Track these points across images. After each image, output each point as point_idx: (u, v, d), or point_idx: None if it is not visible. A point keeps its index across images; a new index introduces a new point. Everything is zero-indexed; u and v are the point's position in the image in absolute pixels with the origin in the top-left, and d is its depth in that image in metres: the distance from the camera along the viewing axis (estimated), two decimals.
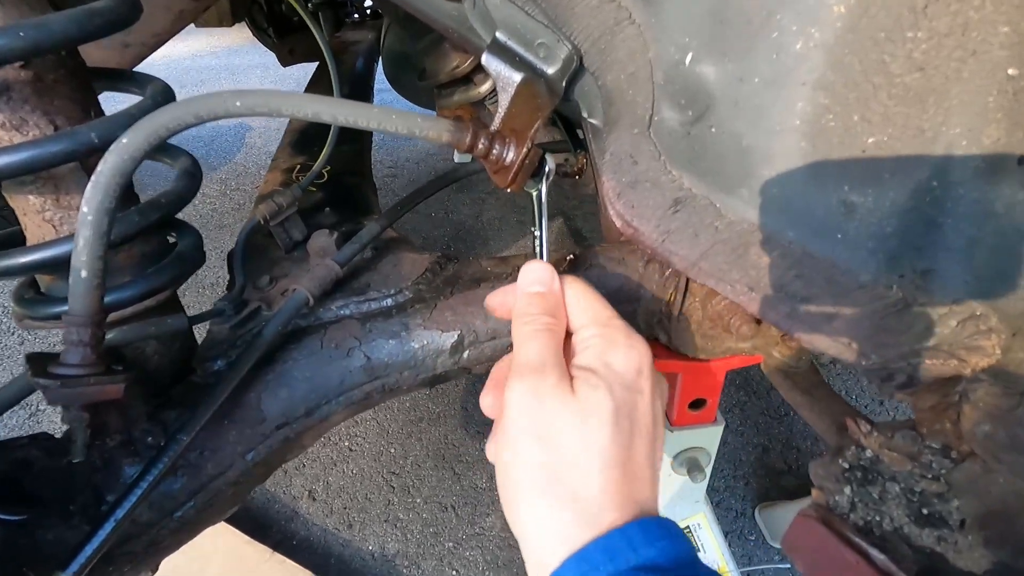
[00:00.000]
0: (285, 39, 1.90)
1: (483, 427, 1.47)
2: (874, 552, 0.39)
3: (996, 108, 0.35)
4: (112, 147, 0.40)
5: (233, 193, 2.61)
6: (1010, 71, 0.34)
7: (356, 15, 2.11)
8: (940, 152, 0.38)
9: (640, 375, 0.37)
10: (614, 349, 0.37)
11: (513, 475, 0.35)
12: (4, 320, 1.93)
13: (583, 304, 0.40)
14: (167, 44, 0.99)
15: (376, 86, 1.71)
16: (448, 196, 2.46)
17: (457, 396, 1.56)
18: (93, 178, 0.40)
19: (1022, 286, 0.37)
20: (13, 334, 1.87)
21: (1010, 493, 0.39)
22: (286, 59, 1.98)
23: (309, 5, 1.90)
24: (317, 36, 0.93)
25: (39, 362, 0.42)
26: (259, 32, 1.90)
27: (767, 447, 1.44)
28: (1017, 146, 0.35)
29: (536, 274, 0.41)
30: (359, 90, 1.61)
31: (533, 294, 0.40)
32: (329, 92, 1.02)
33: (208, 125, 2.88)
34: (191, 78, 4.02)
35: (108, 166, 0.40)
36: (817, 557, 0.42)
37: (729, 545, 0.94)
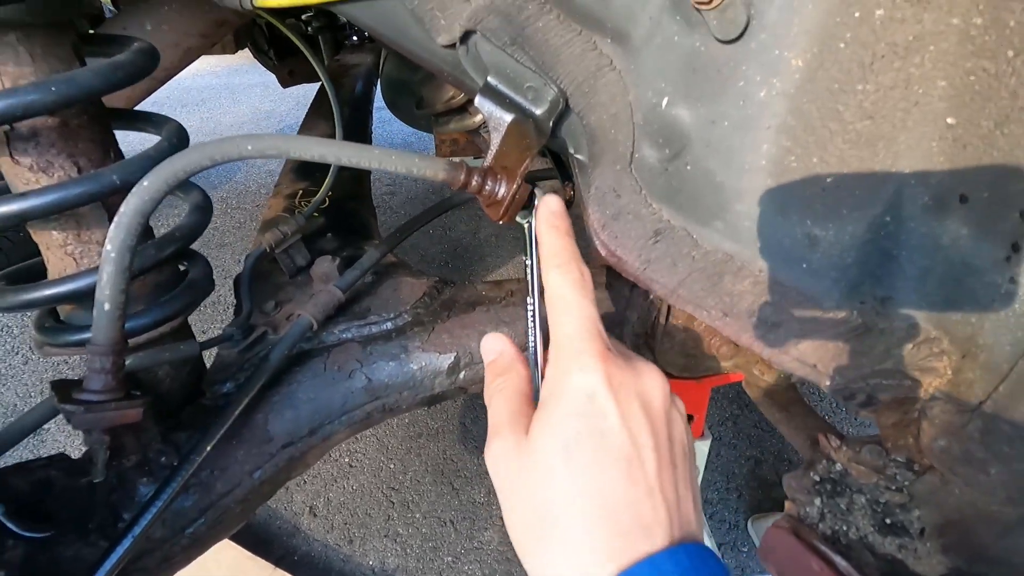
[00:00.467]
0: (285, 61, 1.95)
1: (481, 442, 1.49)
2: (838, 559, 0.42)
3: (939, 152, 0.39)
4: (134, 190, 0.43)
5: (234, 211, 2.65)
6: (949, 120, 0.38)
7: (355, 38, 2.15)
8: (891, 191, 0.41)
9: (593, 398, 0.33)
10: (565, 377, 0.34)
11: (511, 534, 0.34)
12: (8, 340, 1.95)
13: (551, 316, 0.38)
14: None
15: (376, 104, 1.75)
16: (446, 214, 2.49)
17: (456, 412, 1.59)
18: (116, 218, 0.43)
19: (968, 311, 0.41)
20: (17, 354, 1.89)
21: (966, 503, 0.42)
22: (286, 80, 2.02)
23: (308, 28, 1.95)
24: (314, 63, 0.97)
25: (64, 389, 0.45)
26: (260, 54, 1.94)
27: (760, 459, 1.47)
28: (958, 187, 0.39)
29: (488, 344, 0.43)
30: (359, 112, 1.65)
31: (488, 364, 0.42)
32: (330, 114, 1.06)
33: None
34: (192, 97, 4.08)
35: (130, 207, 0.43)
36: (787, 565, 0.45)
37: (722, 556, 0.97)
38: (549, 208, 0.42)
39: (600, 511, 0.31)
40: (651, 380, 0.36)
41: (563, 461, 0.32)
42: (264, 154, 0.45)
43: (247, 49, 1.92)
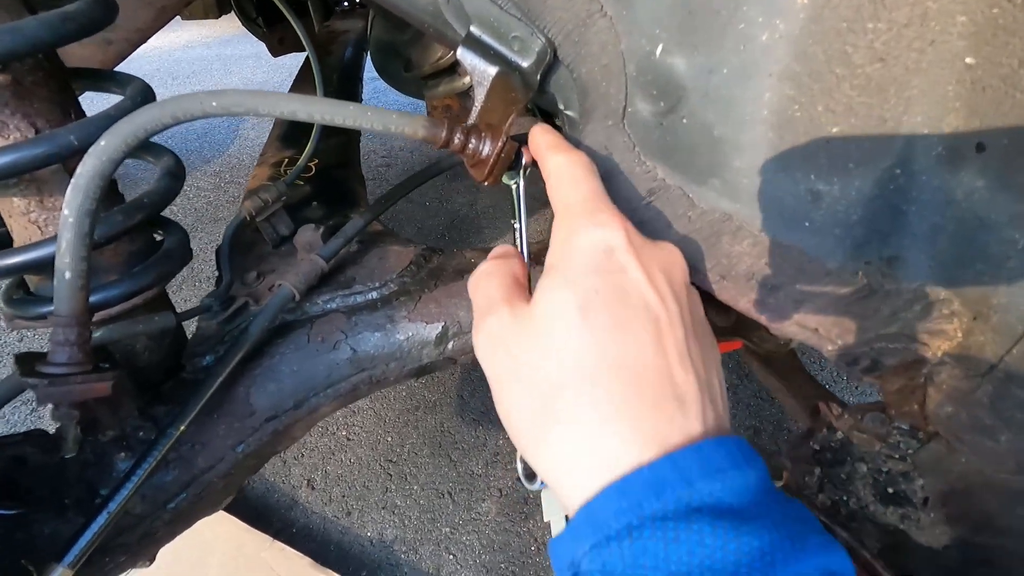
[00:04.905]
0: (274, 28, 1.89)
1: (479, 415, 1.49)
2: (837, 530, 0.41)
3: (955, 97, 0.36)
4: (90, 150, 0.40)
5: (228, 186, 2.61)
6: (968, 60, 0.35)
7: (346, 3, 2.09)
8: (902, 141, 0.38)
9: (611, 252, 0.28)
10: (575, 235, 0.30)
11: (512, 425, 0.29)
12: None
13: (556, 193, 0.33)
14: (159, 35, 0.99)
15: (370, 74, 1.69)
16: (443, 185, 2.46)
17: (453, 384, 1.58)
18: (73, 181, 0.40)
19: (981, 271, 0.38)
20: (14, 331, 1.88)
21: (971, 471, 0.40)
22: (276, 49, 1.97)
23: None
24: (295, 25, 0.93)
25: (28, 361, 0.43)
26: (248, 22, 1.88)
27: (758, 429, 1.46)
28: (975, 134, 0.36)
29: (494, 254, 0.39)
30: (348, 79, 1.60)
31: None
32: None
33: None
34: (183, 69, 3.99)
35: (87, 168, 0.41)
36: None
37: None
38: (540, 126, 0.43)
39: (626, 380, 0.25)
40: (672, 252, 0.32)
41: (579, 321, 0.26)
42: (230, 111, 0.42)
43: (238, 19, 1.86)
